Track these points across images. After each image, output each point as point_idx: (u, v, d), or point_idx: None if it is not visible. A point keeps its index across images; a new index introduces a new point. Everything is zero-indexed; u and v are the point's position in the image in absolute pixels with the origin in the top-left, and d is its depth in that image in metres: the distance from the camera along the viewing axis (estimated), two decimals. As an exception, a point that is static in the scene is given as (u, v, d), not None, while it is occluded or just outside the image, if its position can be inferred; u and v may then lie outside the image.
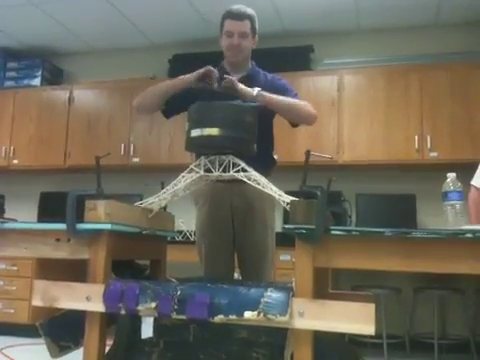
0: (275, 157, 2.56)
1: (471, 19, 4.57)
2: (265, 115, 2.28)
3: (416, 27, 4.73)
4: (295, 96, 2.43)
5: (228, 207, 2.40)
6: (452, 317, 4.24)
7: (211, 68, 2.24)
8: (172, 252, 2.32)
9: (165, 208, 2.15)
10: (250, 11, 2.43)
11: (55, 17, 4.86)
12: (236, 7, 2.43)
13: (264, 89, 2.27)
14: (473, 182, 3.02)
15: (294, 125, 2.50)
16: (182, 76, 2.33)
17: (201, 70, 2.24)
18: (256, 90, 2.22)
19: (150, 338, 1.92)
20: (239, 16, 2.39)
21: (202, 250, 2.45)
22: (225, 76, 2.21)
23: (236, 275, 2.56)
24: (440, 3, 4.39)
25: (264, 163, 2.26)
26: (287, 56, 4.69)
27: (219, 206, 2.40)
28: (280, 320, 1.51)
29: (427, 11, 4.53)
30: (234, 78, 2.22)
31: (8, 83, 5.48)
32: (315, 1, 4.42)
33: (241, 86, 2.20)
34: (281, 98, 2.32)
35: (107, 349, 1.85)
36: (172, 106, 2.40)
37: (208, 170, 1.97)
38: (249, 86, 2.24)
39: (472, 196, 2.97)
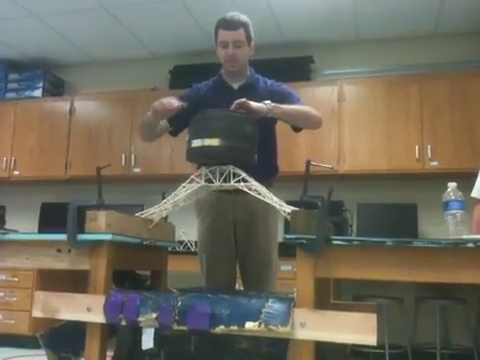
0: (277, 165, 2.53)
1: (471, 28, 4.59)
2: (266, 123, 2.27)
3: (416, 37, 4.75)
4: (299, 100, 2.41)
5: (230, 218, 2.39)
6: (455, 327, 4.21)
7: (155, 105, 2.16)
8: (173, 262, 2.32)
9: (166, 218, 2.15)
10: (243, 18, 2.37)
11: (56, 29, 4.89)
12: (229, 15, 2.37)
13: (264, 95, 2.26)
14: (475, 195, 2.82)
15: (297, 130, 2.48)
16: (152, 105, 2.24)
17: (158, 105, 2.16)
18: (269, 105, 2.16)
19: (151, 349, 1.92)
20: (232, 25, 2.33)
21: (203, 261, 2.44)
22: (237, 101, 2.09)
23: (238, 286, 2.55)
24: (440, 13, 4.41)
25: (266, 172, 2.26)
26: (287, 67, 4.70)
27: (221, 217, 2.40)
28: (281, 331, 1.51)
29: (427, 21, 4.55)
30: (244, 99, 2.10)
31: (10, 94, 5.49)
32: (315, 12, 4.45)
33: (254, 105, 2.11)
34: (291, 107, 2.29)
35: (108, 360, 1.84)
36: (176, 126, 2.40)
37: (209, 180, 1.97)
38: (250, 93, 2.20)
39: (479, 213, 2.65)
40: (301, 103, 2.40)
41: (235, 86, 2.44)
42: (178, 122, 2.33)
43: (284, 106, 2.25)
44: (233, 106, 2.08)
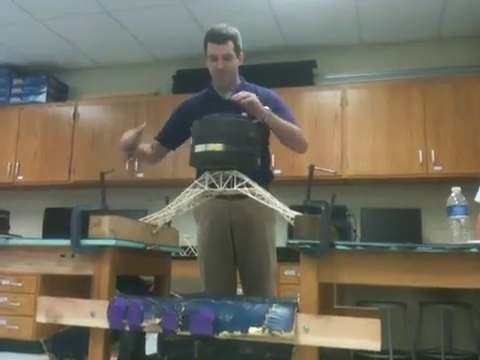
0: (271, 170, 2.58)
1: (474, 33, 4.59)
2: (261, 130, 2.29)
3: (419, 41, 4.75)
4: (291, 117, 2.44)
5: (227, 223, 2.40)
6: (459, 332, 4.20)
7: (121, 142, 2.35)
8: (176, 268, 2.32)
9: (169, 224, 2.15)
10: (232, 31, 2.38)
11: (60, 33, 4.90)
12: (218, 28, 2.38)
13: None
14: (478, 199, 2.84)
15: (283, 143, 2.50)
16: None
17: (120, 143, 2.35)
18: (268, 111, 2.24)
19: (154, 354, 1.91)
20: (221, 38, 2.35)
21: (202, 265, 2.45)
22: (242, 93, 2.21)
23: (239, 291, 2.55)
24: (442, 17, 4.41)
25: (264, 178, 2.27)
26: (290, 71, 4.71)
27: (219, 222, 2.41)
28: (285, 336, 1.50)
29: (430, 25, 4.55)
30: (254, 95, 2.22)
31: (14, 100, 5.51)
32: (317, 16, 4.45)
33: (258, 105, 2.21)
34: (285, 123, 2.34)
35: (111, 366, 1.84)
36: (168, 142, 2.54)
37: (212, 185, 1.98)
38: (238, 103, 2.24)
39: None
40: (295, 124, 2.44)
41: (226, 97, 2.44)
42: (168, 138, 2.50)
43: (279, 119, 2.31)
44: (237, 96, 2.18)
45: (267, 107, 2.24)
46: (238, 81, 2.52)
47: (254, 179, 1.97)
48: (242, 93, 2.19)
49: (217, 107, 2.23)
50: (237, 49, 2.40)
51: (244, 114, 2.24)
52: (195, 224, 2.52)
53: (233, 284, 2.47)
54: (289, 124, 2.37)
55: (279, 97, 2.52)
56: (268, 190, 2.35)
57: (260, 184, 1.98)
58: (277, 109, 2.36)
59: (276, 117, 2.28)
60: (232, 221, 2.39)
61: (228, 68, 2.39)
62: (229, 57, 2.37)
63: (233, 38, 2.38)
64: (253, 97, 2.19)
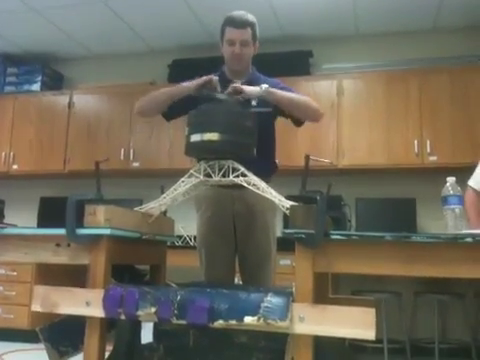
0: (276, 162, 2.54)
1: (470, 23, 4.58)
2: (265, 119, 2.28)
3: (415, 31, 4.74)
4: (298, 93, 2.41)
5: (230, 212, 2.40)
6: (453, 321, 4.23)
7: (212, 77, 2.21)
8: (172, 257, 2.32)
9: (165, 213, 2.15)
10: (251, 18, 2.40)
11: (55, 23, 4.87)
12: (238, 14, 2.38)
13: None
14: (470, 183, 2.93)
15: (298, 124, 2.46)
16: (182, 84, 2.32)
17: (201, 80, 2.22)
18: (263, 87, 2.21)
19: (150, 343, 1.92)
20: (241, 24, 2.35)
21: (203, 255, 2.45)
22: (232, 85, 2.18)
23: (236, 280, 2.55)
24: (439, 7, 4.40)
25: (265, 168, 2.26)
26: (286, 61, 4.70)
27: (221, 212, 2.40)
28: (280, 325, 1.51)
29: (426, 15, 4.54)
30: (238, 83, 2.21)
31: (8, 88, 5.48)
32: (314, 6, 4.44)
33: (247, 88, 2.19)
34: (289, 94, 2.31)
35: (107, 354, 1.85)
36: (173, 110, 2.38)
37: (208, 175, 1.97)
38: None
39: (470, 198, 2.88)
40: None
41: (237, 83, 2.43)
42: (174, 107, 2.34)
43: (281, 92, 2.28)
44: (228, 90, 2.14)
45: (264, 85, 2.21)
46: (250, 70, 2.50)
47: (255, 169, 1.96)
48: (229, 89, 2.17)
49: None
50: (254, 37, 2.41)
51: (254, 103, 2.24)
52: (194, 212, 2.51)
53: (232, 273, 2.47)
54: (294, 94, 2.35)
55: (283, 84, 2.48)
56: (270, 181, 2.36)
57: (261, 174, 1.98)
58: (282, 89, 2.35)
59: (276, 91, 2.25)
60: (235, 211, 2.39)
61: (244, 54, 2.39)
62: (246, 43, 2.37)
63: (252, 25, 2.39)
64: (237, 85, 2.17)
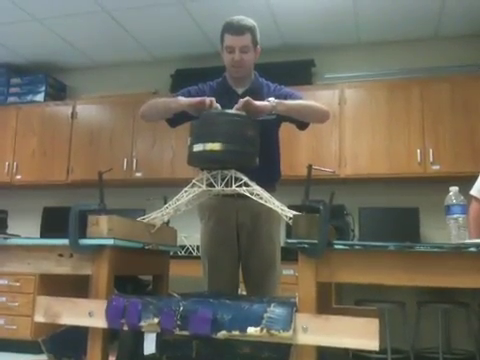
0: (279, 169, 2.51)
1: (471, 32, 4.59)
2: (269, 127, 2.27)
3: (416, 40, 4.76)
4: (301, 98, 2.40)
5: (233, 222, 2.39)
6: (457, 331, 4.20)
7: (212, 100, 2.10)
8: (175, 267, 2.32)
9: (168, 223, 2.15)
10: (250, 23, 2.35)
11: (58, 33, 4.90)
12: (236, 19, 2.34)
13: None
14: (473, 192, 2.87)
15: (302, 128, 2.43)
16: (179, 97, 2.27)
17: (195, 100, 2.13)
18: (272, 102, 2.14)
19: (153, 354, 1.91)
20: (239, 30, 2.31)
21: (206, 265, 2.44)
22: (241, 100, 2.08)
23: (240, 290, 2.54)
24: (441, 16, 4.41)
25: (269, 177, 2.25)
26: (288, 70, 4.70)
27: (224, 221, 2.39)
28: (283, 336, 1.50)
29: (427, 24, 4.55)
30: (247, 97, 2.08)
31: (11, 99, 5.50)
32: (315, 15, 4.45)
33: (257, 103, 2.09)
34: (296, 102, 2.29)
35: (109, 365, 1.84)
36: (178, 116, 2.33)
37: (211, 185, 1.97)
38: (254, 98, 2.14)
39: (475, 212, 2.78)
40: (304, 99, 2.39)
41: (239, 91, 2.42)
42: (179, 114, 2.29)
43: (288, 101, 2.25)
44: (237, 106, 2.07)
45: (271, 98, 2.16)
46: (252, 76, 2.47)
47: (259, 178, 1.95)
48: (238, 105, 2.08)
49: (230, 101, 2.17)
50: (254, 42, 2.36)
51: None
52: (197, 222, 2.50)
53: (236, 283, 2.46)
54: (300, 101, 2.32)
55: (287, 88, 2.47)
56: (276, 189, 2.35)
57: (265, 183, 1.97)
58: (287, 96, 2.33)
59: (284, 102, 2.20)
60: (239, 220, 2.38)
61: (245, 61, 2.35)
62: (246, 49, 2.33)
63: (251, 30, 2.34)
64: (246, 100, 2.07)
